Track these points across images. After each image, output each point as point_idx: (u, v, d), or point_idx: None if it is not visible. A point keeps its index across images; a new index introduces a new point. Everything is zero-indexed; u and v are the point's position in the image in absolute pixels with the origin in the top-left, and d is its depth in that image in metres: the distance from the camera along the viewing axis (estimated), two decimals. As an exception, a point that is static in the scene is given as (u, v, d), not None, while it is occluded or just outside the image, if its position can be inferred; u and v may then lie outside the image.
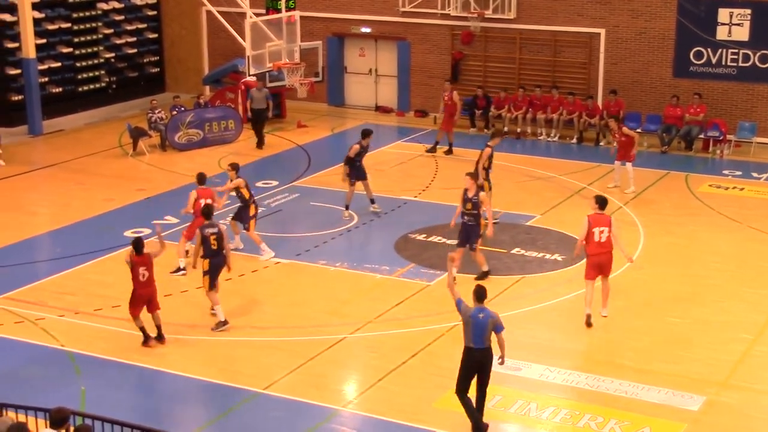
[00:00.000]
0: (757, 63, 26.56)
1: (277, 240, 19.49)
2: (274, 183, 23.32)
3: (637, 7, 27.55)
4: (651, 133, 26.78)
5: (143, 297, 15.01)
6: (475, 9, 28.89)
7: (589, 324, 15.70)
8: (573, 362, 14.63)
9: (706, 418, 13.07)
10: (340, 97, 31.82)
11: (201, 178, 18.34)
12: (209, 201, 17.52)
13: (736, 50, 26.69)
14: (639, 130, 27.35)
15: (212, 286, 15.78)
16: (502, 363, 12.77)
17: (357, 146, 20.90)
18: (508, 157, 25.47)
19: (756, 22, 26.38)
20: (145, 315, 15.06)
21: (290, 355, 14.85)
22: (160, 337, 15.24)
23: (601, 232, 15.69)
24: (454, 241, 18.54)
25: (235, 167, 18.97)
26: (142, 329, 15.12)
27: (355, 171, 20.92)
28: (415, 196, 22.40)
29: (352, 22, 30.85)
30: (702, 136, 26.54)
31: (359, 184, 20.96)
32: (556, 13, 28.41)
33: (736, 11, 26.56)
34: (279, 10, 28.64)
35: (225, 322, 15.79)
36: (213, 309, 15.96)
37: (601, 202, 16.13)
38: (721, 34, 26.78)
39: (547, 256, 18.83)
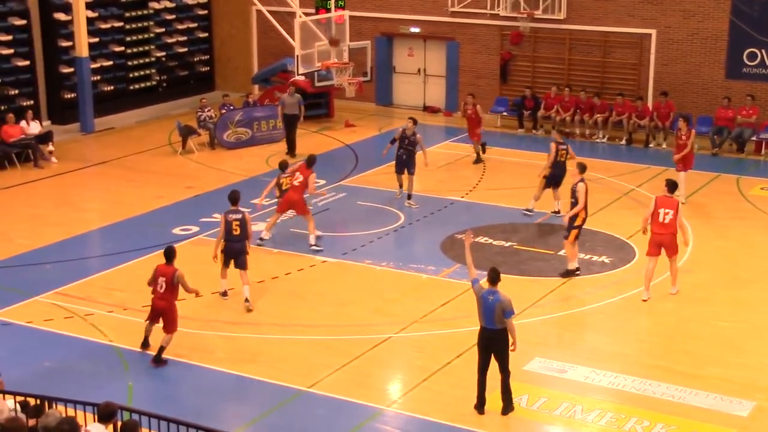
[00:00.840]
0: (812, 64, 26.17)
1: (324, 239, 19.54)
2: (322, 182, 23.36)
3: (689, 8, 27.25)
4: (702, 135, 26.47)
5: (156, 309, 14.70)
6: (525, 9, 28.76)
7: (644, 299, 16.65)
8: (619, 365, 14.50)
9: (755, 424, 12.90)
10: (388, 97, 31.84)
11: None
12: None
13: (791, 51, 26.32)
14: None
15: (225, 265, 16.63)
16: (514, 350, 13.09)
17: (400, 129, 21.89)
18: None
19: (811, 23, 26.00)
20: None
21: (335, 353, 14.89)
22: (157, 359, 14.54)
23: (666, 213, 16.54)
24: (501, 243, 18.48)
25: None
26: (146, 336, 15.03)
27: (397, 160, 21.71)
28: (462, 197, 22.35)
29: (401, 21, 30.85)
30: (754, 138, 26.20)
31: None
32: (606, 14, 28.19)
33: (790, 11, 26.19)
34: (329, 10, 28.73)
35: (225, 293, 16.85)
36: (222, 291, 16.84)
37: (671, 185, 16.94)
38: (777, 35, 26.42)
39: (595, 258, 18.69)
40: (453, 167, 24.96)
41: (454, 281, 17.61)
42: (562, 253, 18.81)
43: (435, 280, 17.73)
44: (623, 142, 27.27)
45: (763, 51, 26.60)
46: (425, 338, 15.48)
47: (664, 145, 26.91)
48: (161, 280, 14.56)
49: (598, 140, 27.48)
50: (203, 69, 33.40)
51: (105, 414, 10.47)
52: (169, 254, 14.67)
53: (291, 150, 26.02)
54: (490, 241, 19.52)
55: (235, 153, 26.09)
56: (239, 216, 16.38)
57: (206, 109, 27.06)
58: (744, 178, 23.84)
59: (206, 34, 33.29)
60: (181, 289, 14.71)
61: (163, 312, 14.61)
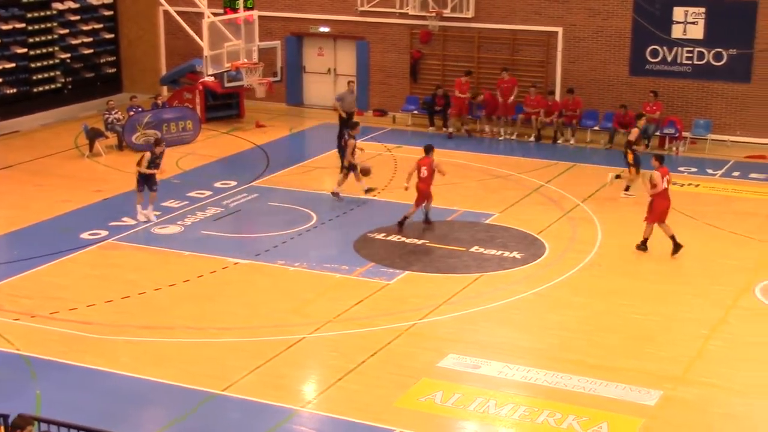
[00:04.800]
0: (712, 61, 26.84)
1: (236, 240, 19.41)
2: (233, 183, 23.22)
3: (594, 6, 27.73)
4: (607, 131, 26.99)
5: (421, 192, 20.12)
6: (434, 8, 28.94)
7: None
8: (532, 359, 14.70)
9: (662, 413, 13.19)
10: (298, 97, 31.75)
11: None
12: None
13: (691, 48, 26.95)
14: (596, 128, 27.62)
15: None
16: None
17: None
18: (467, 156, 25.60)
19: (710, 21, 26.65)
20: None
21: (249, 355, 14.79)
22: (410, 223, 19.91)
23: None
24: (414, 240, 18.62)
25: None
26: (406, 217, 20.12)
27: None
28: (375, 196, 22.40)
29: (311, 21, 30.79)
30: (658, 133, 26.78)
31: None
32: (514, 12, 28.53)
33: (690, 10, 26.81)
34: (237, 10, 28.51)
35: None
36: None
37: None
38: (677, 32, 27.04)
39: (506, 253, 18.91)
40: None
41: (367, 280, 17.64)
42: (473, 249, 19.00)
43: (349, 280, 17.73)
44: (532, 138, 27.63)
45: (665, 48, 27.21)
46: (339, 338, 15.48)
47: (572, 141, 27.34)
48: (423, 168, 19.74)
49: (507, 137, 27.80)
50: (110, 70, 32.83)
51: (17, 425, 10.25)
52: (429, 149, 20.15)
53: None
54: (404, 239, 19.60)
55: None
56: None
57: (113, 111, 26.64)
58: (649, 172, 24.26)
59: (112, 35, 32.71)
60: None
61: (427, 193, 19.88)
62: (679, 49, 27.05)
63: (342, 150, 23.09)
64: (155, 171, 20.42)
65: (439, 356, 14.64)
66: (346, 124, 24.66)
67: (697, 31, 26.85)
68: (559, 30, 28.11)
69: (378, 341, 15.20)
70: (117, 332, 15.56)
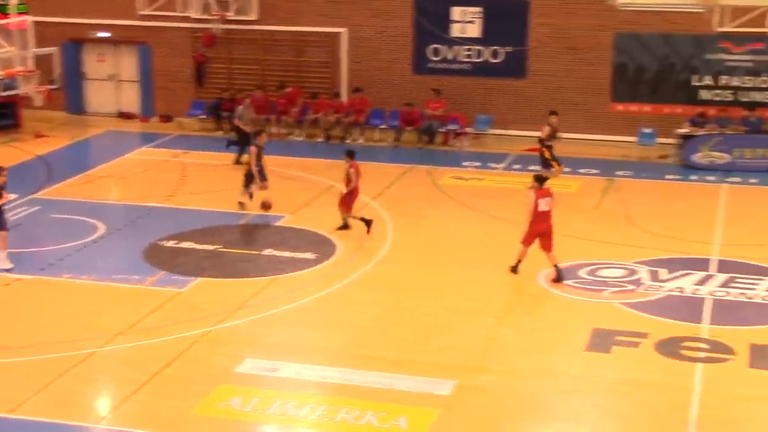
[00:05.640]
0: (490, 59, 27.80)
1: (19, 255, 18.58)
2: (13, 196, 22.19)
3: (377, 6, 28.20)
4: (393, 129, 27.51)
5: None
6: (216, 11, 28.65)
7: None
8: (328, 358, 14.76)
9: (457, 402, 13.51)
10: (79, 105, 30.78)
11: None
12: None
13: (470, 47, 27.81)
14: (384, 126, 28.10)
15: None
16: None
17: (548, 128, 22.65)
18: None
19: (487, 20, 27.60)
20: None
21: (36, 374, 14.16)
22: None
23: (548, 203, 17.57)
24: (206, 246, 18.37)
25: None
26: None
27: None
28: (163, 203, 21.96)
29: (89, 26, 29.89)
30: (442, 130, 27.49)
31: None
32: (298, 14, 28.64)
33: (468, 9, 27.68)
34: (8, 15, 27.32)
35: None
36: None
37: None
38: (456, 31, 27.85)
39: (299, 255, 18.94)
40: (152, 173, 24.48)
41: (159, 289, 17.26)
42: (266, 252, 18.93)
43: (139, 290, 17.30)
44: (321, 139, 27.80)
45: (446, 47, 27.97)
46: (133, 349, 15.06)
47: (360, 140, 27.69)
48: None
49: (295, 139, 27.86)
50: None
51: None
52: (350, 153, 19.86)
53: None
54: (195, 245, 19.31)
55: None
56: None
57: None
58: (435, 168, 24.97)
59: None
60: None
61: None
62: (459, 47, 27.87)
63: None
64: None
65: (236, 361, 14.49)
66: (244, 137, 24.44)
67: (475, 30, 27.75)
68: (344, 30, 28.40)
69: (173, 350, 14.89)
70: None
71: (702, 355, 14.87)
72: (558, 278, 17.42)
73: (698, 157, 25.57)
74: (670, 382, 13.93)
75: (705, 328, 15.75)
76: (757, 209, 22.43)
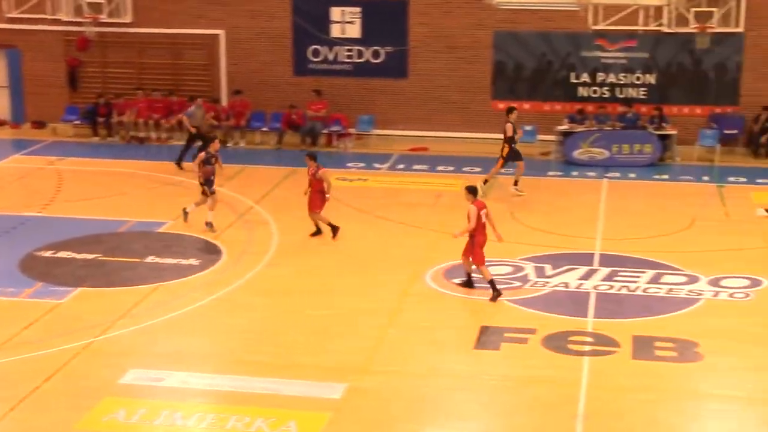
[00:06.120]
0: (371, 59, 27.78)
1: None
2: None
3: (255, 8, 27.89)
4: (274, 131, 27.25)
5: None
6: (89, 13, 27.89)
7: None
8: (216, 366, 14.45)
9: (348, 404, 13.37)
10: (-53, 112, 29.63)
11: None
12: None
13: (351, 47, 27.74)
14: (265, 129, 27.81)
15: None
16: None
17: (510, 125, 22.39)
18: (133, 164, 24.93)
19: (366, 20, 27.57)
20: None
21: None
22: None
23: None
24: (86, 255, 17.84)
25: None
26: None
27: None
28: (39, 212, 21.24)
29: (-45, 30, 28.82)
30: (325, 131, 27.34)
31: None
32: (174, 16, 28.12)
33: (347, 9, 27.60)
34: None
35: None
36: None
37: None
38: (336, 31, 27.75)
39: (183, 261, 18.53)
40: (26, 181, 23.68)
41: (37, 301, 16.65)
42: (149, 260, 18.47)
43: (16, 302, 16.65)
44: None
45: (326, 48, 27.83)
46: (9, 365, 14.46)
47: (242, 144, 27.34)
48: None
49: (174, 143, 27.34)
50: None
51: None
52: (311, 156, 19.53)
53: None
54: (74, 255, 18.71)
55: None
56: None
57: None
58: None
59: None
60: None
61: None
62: (339, 48, 27.77)
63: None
64: None
65: (120, 373, 14.05)
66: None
67: (354, 30, 27.69)
68: (222, 32, 28.01)
69: (53, 364, 14.35)
70: None
71: (588, 348, 15.07)
72: (467, 284, 17.36)
73: (578, 154, 26.03)
74: (558, 377, 14.06)
75: (590, 322, 15.98)
76: (636, 203, 22.93)
